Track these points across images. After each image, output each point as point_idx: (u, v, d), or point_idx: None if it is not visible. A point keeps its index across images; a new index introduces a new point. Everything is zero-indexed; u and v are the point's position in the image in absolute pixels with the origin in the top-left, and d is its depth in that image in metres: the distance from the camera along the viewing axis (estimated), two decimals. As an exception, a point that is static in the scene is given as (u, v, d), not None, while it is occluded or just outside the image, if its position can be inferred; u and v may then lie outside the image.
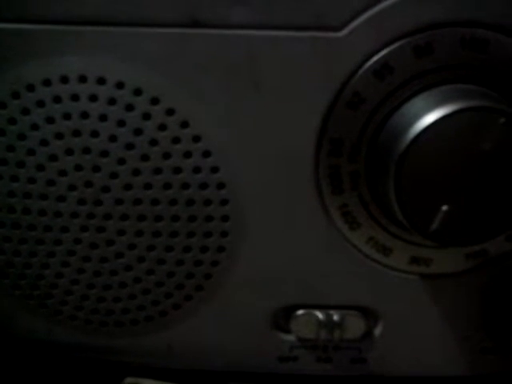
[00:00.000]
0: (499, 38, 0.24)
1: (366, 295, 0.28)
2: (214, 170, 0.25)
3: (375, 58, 0.24)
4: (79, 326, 0.28)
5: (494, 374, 0.29)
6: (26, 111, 0.25)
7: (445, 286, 0.27)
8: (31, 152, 0.25)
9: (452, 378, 0.29)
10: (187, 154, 0.25)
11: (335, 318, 0.28)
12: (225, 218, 0.26)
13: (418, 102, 0.24)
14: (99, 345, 0.29)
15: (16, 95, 0.25)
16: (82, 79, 0.24)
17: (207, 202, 0.26)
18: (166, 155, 0.25)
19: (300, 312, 0.28)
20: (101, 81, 0.24)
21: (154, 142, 0.25)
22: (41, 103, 0.25)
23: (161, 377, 0.30)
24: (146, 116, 0.25)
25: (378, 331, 0.29)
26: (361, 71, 0.24)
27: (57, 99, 0.25)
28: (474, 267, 0.27)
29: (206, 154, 0.25)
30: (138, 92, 0.24)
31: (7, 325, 0.29)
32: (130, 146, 0.25)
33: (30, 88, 0.25)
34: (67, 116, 0.25)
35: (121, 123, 0.25)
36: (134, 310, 0.28)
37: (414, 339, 0.29)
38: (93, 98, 0.24)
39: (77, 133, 0.25)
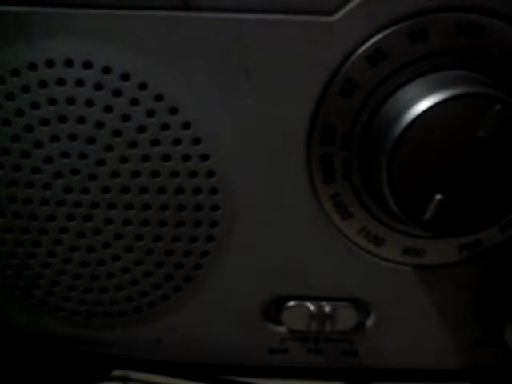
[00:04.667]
0: (495, 23, 0.23)
1: (358, 286, 0.28)
2: (204, 157, 0.25)
3: (369, 44, 0.23)
4: (66, 318, 0.28)
5: (488, 367, 0.29)
6: (10, 96, 0.24)
7: (438, 278, 0.27)
8: (16, 139, 0.25)
9: (445, 370, 0.29)
10: (176, 141, 0.25)
11: (326, 309, 0.28)
12: (215, 207, 0.26)
13: (411, 88, 0.23)
14: (87, 337, 0.29)
15: (0, 80, 0.24)
16: (68, 63, 0.24)
17: (197, 191, 0.25)
18: (155, 142, 0.25)
19: (291, 303, 0.28)
20: (87, 65, 0.24)
21: (142, 129, 0.24)
22: (26, 88, 0.24)
23: (150, 369, 0.30)
24: (134, 102, 0.24)
25: (369, 323, 0.28)
26: (354, 57, 0.24)
27: (42, 84, 0.24)
28: (468, 258, 0.27)
29: (196, 141, 0.25)
30: (125, 77, 0.24)
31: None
32: (117, 133, 0.25)
33: (15, 73, 0.24)
34: (53, 101, 0.24)
35: (108, 109, 0.24)
36: (122, 301, 0.28)
37: (407, 331, 0.29)
38: (79, 82, 0.24)
39: (63, 119, 0.24)
